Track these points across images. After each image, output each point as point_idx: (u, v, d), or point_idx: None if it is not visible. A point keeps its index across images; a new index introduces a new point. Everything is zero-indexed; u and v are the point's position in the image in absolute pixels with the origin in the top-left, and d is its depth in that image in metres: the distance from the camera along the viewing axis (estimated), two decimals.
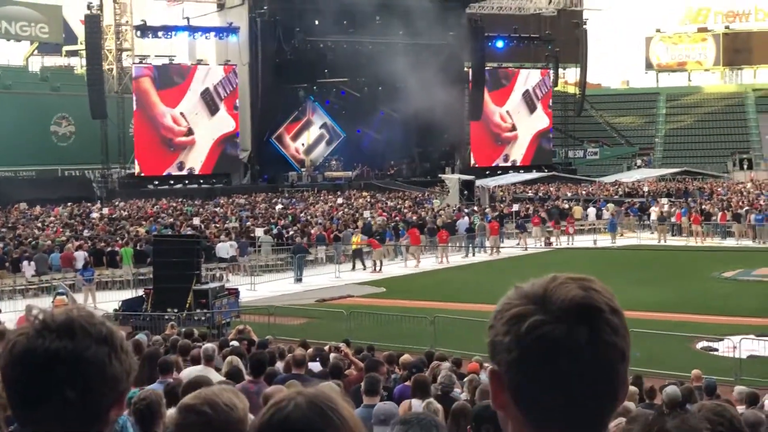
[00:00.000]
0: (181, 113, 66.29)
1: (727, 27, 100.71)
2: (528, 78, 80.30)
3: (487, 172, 73.36)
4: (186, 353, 12.22)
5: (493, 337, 1.72)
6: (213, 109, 67.64)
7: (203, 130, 66.93)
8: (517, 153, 79.32)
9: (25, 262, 31.56)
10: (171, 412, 3.16)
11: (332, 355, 13.56)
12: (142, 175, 65.15)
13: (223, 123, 68.14)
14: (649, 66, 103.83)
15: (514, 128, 79.10)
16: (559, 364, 1.65)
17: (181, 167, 66.58)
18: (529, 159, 79.17)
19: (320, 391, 1.91)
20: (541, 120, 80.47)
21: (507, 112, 78.86)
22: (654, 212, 46.45)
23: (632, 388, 11.57)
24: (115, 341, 2.01)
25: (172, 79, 66.38)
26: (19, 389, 1.97)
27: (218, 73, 68.26)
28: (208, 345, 12.11)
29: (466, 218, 43.41)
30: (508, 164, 77.89)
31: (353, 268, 36.88)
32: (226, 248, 35.11)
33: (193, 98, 66.79)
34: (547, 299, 1.69)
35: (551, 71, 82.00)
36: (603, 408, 1.71)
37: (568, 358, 1.65)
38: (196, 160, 67.18)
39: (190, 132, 66.55)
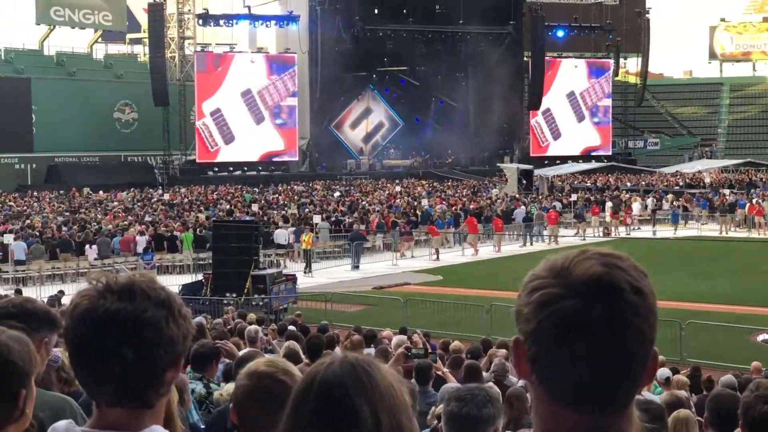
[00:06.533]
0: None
1: None
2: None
3: (546, 162, 72.80)
4: (243, 336, 12.41)
5: (517, 306, 1.70)
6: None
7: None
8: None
9: (88, 246, 32.01)
10: (229, 386, 3.21)
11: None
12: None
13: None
14: (712, 55, 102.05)
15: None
16: (571, 340, 1.60)
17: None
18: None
19: (361, 356, 1.96)
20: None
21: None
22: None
23: (682, 378, 11.47)
24: (173, 306, 2.11)
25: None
26: (80, 348, 2.07)
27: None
28: (251, 327, 12.16)
29: (523, 207, 43.24)
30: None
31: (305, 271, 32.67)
32: (284, 234, 35.35)
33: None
34: (568, 273, 1.64)
35: (612, 61, 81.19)
36: (618, 389, 1.64)
37: (580, 335, 1.60)
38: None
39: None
